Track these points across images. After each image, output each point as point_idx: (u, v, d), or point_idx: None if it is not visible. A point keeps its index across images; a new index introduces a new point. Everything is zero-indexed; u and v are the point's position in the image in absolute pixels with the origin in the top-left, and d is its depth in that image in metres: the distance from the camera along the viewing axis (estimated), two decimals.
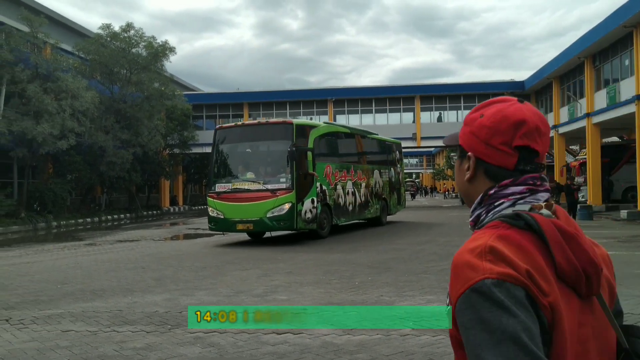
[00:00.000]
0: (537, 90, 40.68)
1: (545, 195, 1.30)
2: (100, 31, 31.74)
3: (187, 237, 21.12)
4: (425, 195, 78.01)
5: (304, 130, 16.59)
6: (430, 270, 10.43)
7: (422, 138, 43.14)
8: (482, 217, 1.31)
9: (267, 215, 15.45)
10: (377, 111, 44.23)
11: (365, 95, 44.00)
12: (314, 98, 44.42)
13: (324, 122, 19.10)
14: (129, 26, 31.64)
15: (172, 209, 43.04)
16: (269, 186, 15.61)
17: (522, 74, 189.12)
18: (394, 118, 44.33)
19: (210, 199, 16.58)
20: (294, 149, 15.56)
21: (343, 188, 18.66)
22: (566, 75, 34.54)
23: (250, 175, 16.18)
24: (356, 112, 44.40)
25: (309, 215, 16.11)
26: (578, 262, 1.18)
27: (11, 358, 5.48)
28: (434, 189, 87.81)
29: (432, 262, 11.63)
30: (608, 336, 1.24)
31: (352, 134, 20.84)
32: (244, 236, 18.17)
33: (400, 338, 5.87)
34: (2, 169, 29.65)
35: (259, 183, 15.83)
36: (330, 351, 5.48)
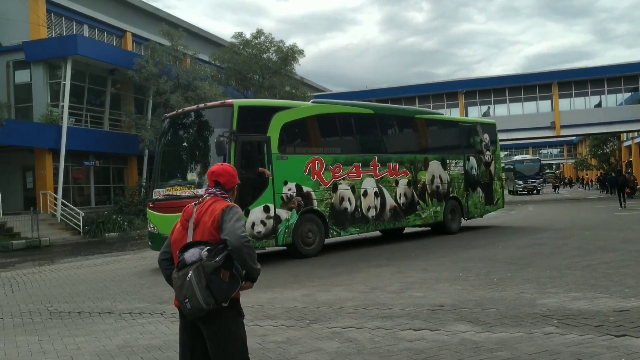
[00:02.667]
0: None
1: (208, 195, 3.59)
2: (233, 40, 33.31)
3: None
4: (566, 187, 73.66)
5: (256, 114, 12.92)
6: (575, 266, 9.83)
7: (562, 127, 40.82)
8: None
9: None
10: (511, 101, 42.50)
11: (497, 85, 42.43)
12: (444, 91, 43.57)
13: (313, 101, 15.11)
14: (259, 33, 32.90)
15: None
16: (200, 191, 11.32)
17: None
18: (529, 107, 42.37)
19: (147, 208, 13.35)
20: (222, 138, 11.59)
21: (353, 188, 14.26)
22: None
23: (191, 176, 12.54)
24: (489, 102, 42.98)
25: (260, 228, 12.10)
26: (185, 216, 3.60)
27: (167, 348, 5.92)
28: (578, 180, 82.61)
29: (576, 257, 10.95)
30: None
31: (373, 114, 15.69)
32: (373, 234, 17.30)
33: (543, 336, 5.59)
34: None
35: (190, 188, 12.02)
36: (469, 348, 5.35)
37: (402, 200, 15.58)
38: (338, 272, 10.73)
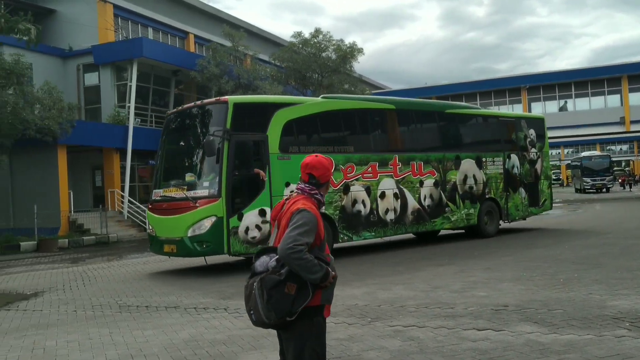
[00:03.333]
0: None
1: (297, 191, 3.43)
2: (292, 39, 33.58)
3: None
4: (637, 185, 70.56)
5: (254, 111, 12.42)
6: None
7: (632, 122, 39.21)
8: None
9: (188, 234, 11.12)
10: (577, 96, 41.17)
11: (562, 80, 41.18)
12: (506, 87, 42.61)
13: (323, 96, 14.10)
14: (317, 32, 33.02)
15: None
16: (192, 193, 11.36)
17: None
18: (597, 102, 40.88)
19: (147, 209, 13.31)
20: (213, 138, 11.20)
21: (368, 189, 13.28)
22: None
23: (189, 177, 11.95)
24: (553, 98, 41.77)
25: (254, 233, 11.31)
26: (273, 214, 3.53)
27: (231, 343, 6.05)
28: None
29: None
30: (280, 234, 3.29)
31: (394, 110, 14.54)
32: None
33: (614, 339, 5.41)
34: None
35: (182, 189, 11.64)
36: (535, 350, 5.23)
37: (427, 202, 14.45)
38: (399, 270, 10.67)
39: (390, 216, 13.69)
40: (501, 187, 16.44)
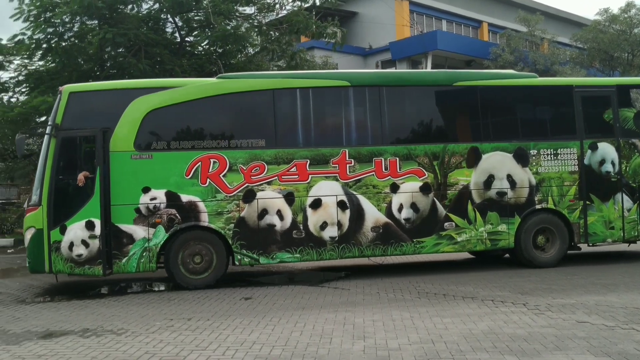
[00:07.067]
0: None
1: None
2: (597, 17, 30.91)
3: None
4: None
5: (102, 101, 10.04)
6: None
7: None
8: None
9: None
10: None
11: None
12: None
13: (219, 76, 10.97)
14: (629, 5, 29.79)
15: None
16: (33, 199, 9.91)
17: None
18: None
19: None
20: (22, 136, 9.82)
21: (289, 196, 9.98)
22: None
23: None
24: None
25: (80, 250, 9.30)
26: None
27: (532, 340, 5.83)
28: None
29: None
30: None
31: (348, 87, 10.58)
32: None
33: None
34: None
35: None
36: None
37: (405, 214, 10.35)
38: None
39: (331, 233, 10.17)
40: (572, 193, 11.13)
